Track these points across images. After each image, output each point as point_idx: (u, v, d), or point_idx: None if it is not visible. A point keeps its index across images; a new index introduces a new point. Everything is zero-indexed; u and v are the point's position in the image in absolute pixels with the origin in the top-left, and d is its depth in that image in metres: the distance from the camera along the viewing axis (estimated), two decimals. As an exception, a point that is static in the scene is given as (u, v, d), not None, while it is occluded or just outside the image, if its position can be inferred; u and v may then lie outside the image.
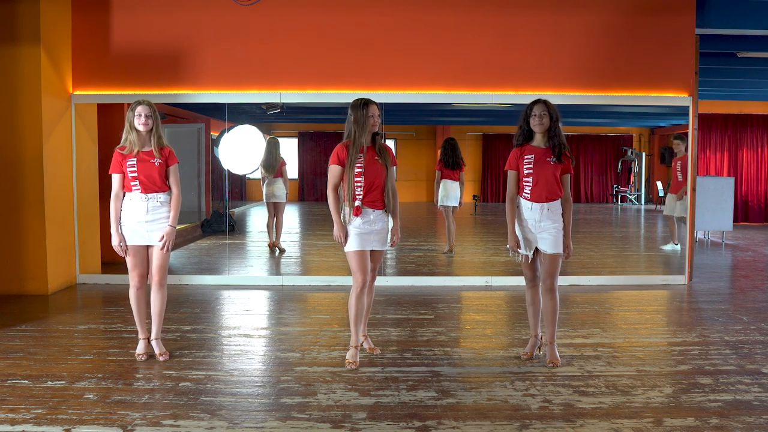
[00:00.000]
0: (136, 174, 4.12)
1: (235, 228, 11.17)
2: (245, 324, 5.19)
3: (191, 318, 5.36)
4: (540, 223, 4.06)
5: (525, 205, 4.11)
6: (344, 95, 6.71)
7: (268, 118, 11.44)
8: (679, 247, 8.65)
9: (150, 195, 4.14)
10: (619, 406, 3.44)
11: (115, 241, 4.17)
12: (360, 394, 3.61)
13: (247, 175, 11.89)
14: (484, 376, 3.93)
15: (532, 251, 4.12)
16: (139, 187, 4.13)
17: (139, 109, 4.11)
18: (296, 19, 6.67)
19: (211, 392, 3.64)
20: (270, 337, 4.79)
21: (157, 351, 4.28)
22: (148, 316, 4.33)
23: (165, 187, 4.20)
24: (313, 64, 6.69)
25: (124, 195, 4.19)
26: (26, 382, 3.77)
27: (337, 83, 6.71)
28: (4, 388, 3.65)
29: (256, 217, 13.50)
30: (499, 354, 4.36)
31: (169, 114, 9.98)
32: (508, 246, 4.23)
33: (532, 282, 4.22)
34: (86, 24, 6.65)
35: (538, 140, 4.11)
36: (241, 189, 13.77)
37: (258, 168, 8.91)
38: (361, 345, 4.33)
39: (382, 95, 6.54)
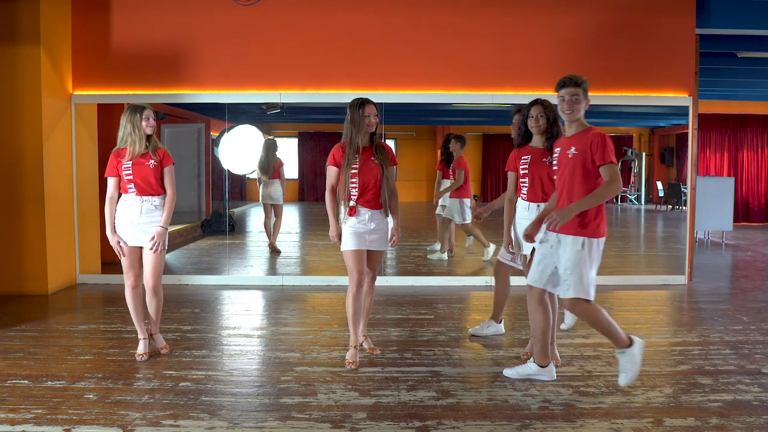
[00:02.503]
0: (131, 177, 4.14)
1: (235, 228, 11.18)
2: (245, 324, 5.19)
3: (191, 318, 5.36)
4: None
5: (523, 205, 4.13)
6: (344, 95, 6.71)
7: (268, 118, 11.46)
8: (446, 255, 8.15)
9: (145, 197, 4.17)
10: (619, 406, 3.44)
11: (113, 241, 4.19)
12: (360, 394, 3.61)
13: (246, 175, 11.89)
14: (484, 376, 3.93)
15: (530, 252, 4.11)
16: (134, 190, 4.16)
17: (147, 112, 4.16)
18: (296, 20, 6.67)
19: (211, 392, 3.64)
20: (270, 337, 4.79)
21: (159, 345, 4.37)
22: (146, 317, 4.34)
23: (161, 190, 4.22)
24: (313, 64, 6.69)
25: (119, 197, 4.22)
26: (26, 382, 3.77)
27: (337, 83, 6.71)
28: (4, 388, 3.66)
29: (256, 217, 13.49)
30: (499, 354, 4.36)
31: (169, 114, 9.98)
32: (509, 248, 4.24)
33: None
34: (86, 24, 6.65)
35: (537, 141, 4.14)
36: (241, 189, 13.78)
37: (255, 169, 8.92)
38: (361, 345, 4.35)
39: (382, 95, 6.54)
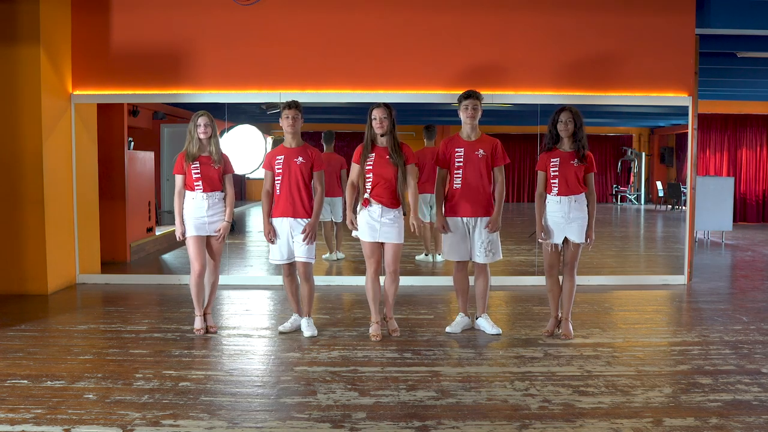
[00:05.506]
0: (199, 175, 4.72)
1: (235, 228, 11.18)
2: (245, 324, 5.19)
3: (191, 318, 5.35)
4: (569, 215, 4.63)
5: (554, 200, 4.68)
6: (344, 95, 6.73)
7: (268, 118, 11.46)
8: (430, 257, 8.04)
9: (209, 194, 4.76)
10: (618, 406, 3.45)
11: (179, 231, 4.77)
12: (360, 393, 3.61)
13: (247, 175, 11.89)
14: (484, 376, 3.94)
15: (562, 240, 4.67)
16: (201, 186, 4.73)
17: (199, 119, 4.76)
18: (296, 20, 6.67)
19: (211, 392, 3.64)
20: (270, 337, 4.79)
21: (209, 323, 4.91)
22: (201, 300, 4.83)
23: (221, 187, 4.82)
24: (313, 64, 6.69)
25: (185, 193, 4.80)
26: (26, 382, 3.77)
27: (336, 83, 6.71)
28: (4, 388, 3.66)
29: (256, 217, 13.48)
30: (499, 354, 4.37)
31: (169, 114, 9.98)
32: (541, 236, 4.75)
33: (551, 270, 4.77)
34: (86, 24, 6.65)
35: (564, 144, 4.67)
36: (241, 189, 13.77)
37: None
38: (385, 321, 4.85)
39: (382, 95, 6.53)
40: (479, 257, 4.75)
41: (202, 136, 4.74)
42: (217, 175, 4.78)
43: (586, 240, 4.66)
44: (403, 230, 4.73)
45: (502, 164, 4.75)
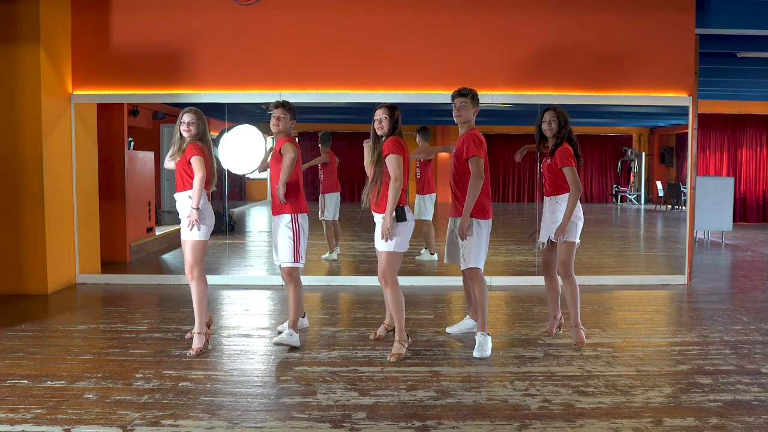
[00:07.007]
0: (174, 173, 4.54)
1: (235, 228, 11.17)
2: (245, 324, 5.19)
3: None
4: (552, 215, 4.59)
5: (544, 199, 4.71)
6: (344, 95, 6.72)
7: (268, 118, 11.44)
8: (435, 256, 7.94)
9: (178, 193, 4.49)
10: (618, 406, 3.45)
11: None
12: (360, 393, 3.61)
13: (246, 175, 11.88)
14: (484, 376, 3.94)
15: (546, 240, 4.65)
16: (176, 185, 4.54)
17: (184, 117, 4.47)
18: (296, 20, 6.67)
19: (211, 392, 3.64)
20: (270, 337, 4.78)
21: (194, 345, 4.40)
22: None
23: (189, 185, 4.39)
24: (313, 64, 6.69)
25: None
26: (26, 381, 3.77)
27: (336, 83, 6.71)
28: (4, 388, 3.66)
29: (256, 217, 13.51)
30: (499, 354, 4.36)
31: (169, 114, 9.98)
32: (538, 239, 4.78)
33: (547, 269, 4.74)
34: (86, 24, 6.64)
35: (551, 143, 4.60)
36: (240, 189, 13.78)
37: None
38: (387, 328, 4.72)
39: (382, 95, 6.53)
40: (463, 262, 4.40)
41: (184, 134, 4.43)
42: (180, 170, 4.37)
43: (564, 238, 4.46)
44: (402, 237, 4.25)
45: (468, 157, 4.27)
